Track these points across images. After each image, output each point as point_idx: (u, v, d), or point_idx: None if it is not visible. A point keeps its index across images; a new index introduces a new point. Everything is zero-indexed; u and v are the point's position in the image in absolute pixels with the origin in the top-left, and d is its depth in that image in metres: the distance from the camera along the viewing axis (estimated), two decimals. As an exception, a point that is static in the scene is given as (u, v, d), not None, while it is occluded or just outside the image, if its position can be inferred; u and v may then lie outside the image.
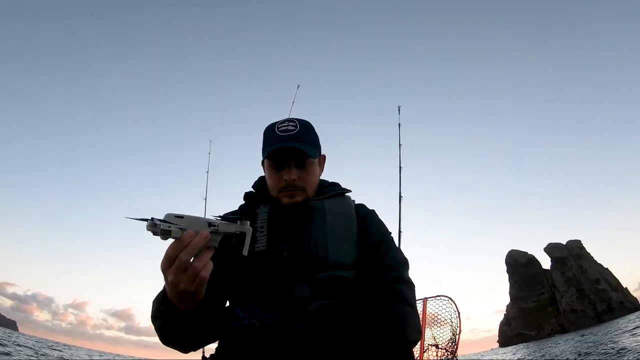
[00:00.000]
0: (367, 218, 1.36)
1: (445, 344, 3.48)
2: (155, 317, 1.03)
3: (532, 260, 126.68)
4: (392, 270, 1.22)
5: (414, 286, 1.22)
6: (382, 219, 1.42)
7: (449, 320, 3.56)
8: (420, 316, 3.64)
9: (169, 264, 0.84)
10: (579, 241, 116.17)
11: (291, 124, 1.34)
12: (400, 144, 3.96)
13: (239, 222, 0.88)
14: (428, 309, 3.62)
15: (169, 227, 0.82)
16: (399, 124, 4.12)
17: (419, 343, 3.51)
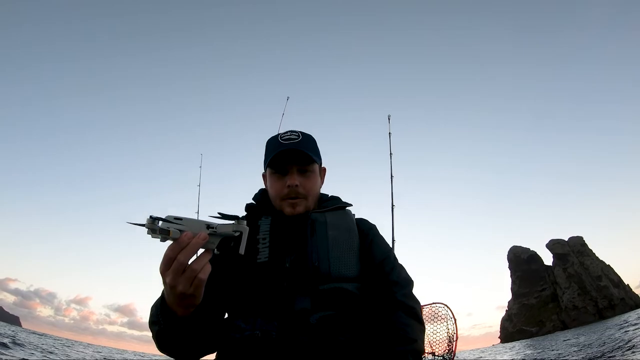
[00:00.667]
0: (369, 233, 1.38)
1: (442, 351, 3.44)
2: (153, 322, 1.02)
3: (534, 257, 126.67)
4: (401, 287, 1.24)
5: (420, 305, 1.25)
6: (382, 235, 1.45)
7: (445, 327, 3.51)
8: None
9: (167, 266, 0.84)
10: (581, 237, 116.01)
11: (294, 133, 1.38)
12: (391, 153, 3.91)
13: (236, 222, 0.89)
14: (424, 316, 3.57)
15: (168, 227, 0.82)
16: (390, 133, 4.07)
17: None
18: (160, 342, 1.04)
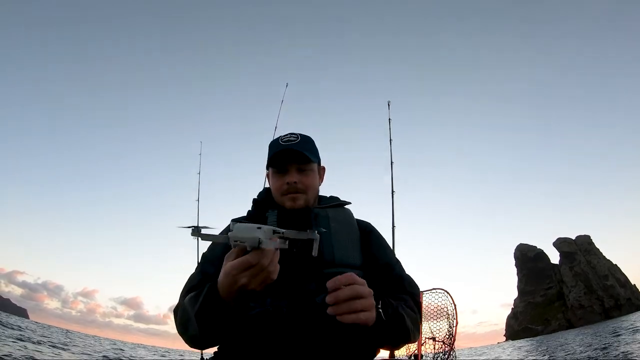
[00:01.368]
0: (371, 234, 1.48)
1: (443, 336, 3.46)
2: (201, 313, 1.07)
3: (540, 255, 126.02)
4: (409, 283, 1.35)
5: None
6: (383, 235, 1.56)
7: (445, 313, 3.53)
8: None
9: (244, 268, 0.91)
10: (588, 236, 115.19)
11: (293, 135, 1.49)
12: (391, 139, 3.89)
13: (309, 231, 0.96)
14: (424, 302, 3.58)
15: (242, 240, 0.88)
16: (389, 119, 4.04)
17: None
18: (200, 328, 1.09)
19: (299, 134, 1.50)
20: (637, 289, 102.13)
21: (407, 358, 3.30)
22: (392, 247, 3.87)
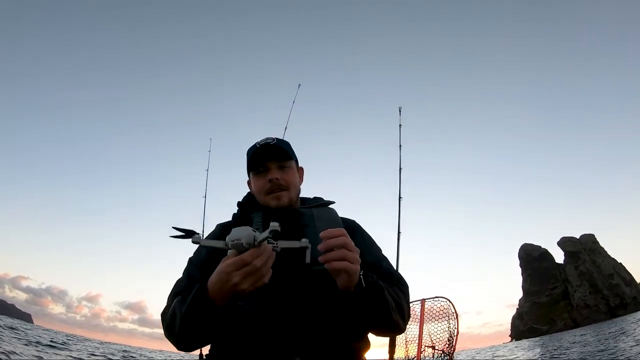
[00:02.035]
0: (351, 227, 1.50)
1: (443, 345, 3.48)
2: (189, 313, 1.10)
3: (545, 254, 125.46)
4: (396, 278, 1.38)
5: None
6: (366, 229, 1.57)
7: (446, 322, 3.55)
8: (418, 317, 3.64)
9: (237, 267, 0.95)
10: (593, 235, 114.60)
11: (269, 138, 1.51)
12: (400, 145, 3.92)
13: (303, 240, 1.03)
14: (426, 309, 3.61)
15: (239, 241, 0.94)
16: (400, 125, 4.08)
17: (416, 344, 3.52)
18: (187, 329, 1.13)
19: (276, 137, 1.53)
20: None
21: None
22: (396, 253, 3.92)
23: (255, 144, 1.51)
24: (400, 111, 4.23)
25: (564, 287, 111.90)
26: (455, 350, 3.43)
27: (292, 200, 1.47)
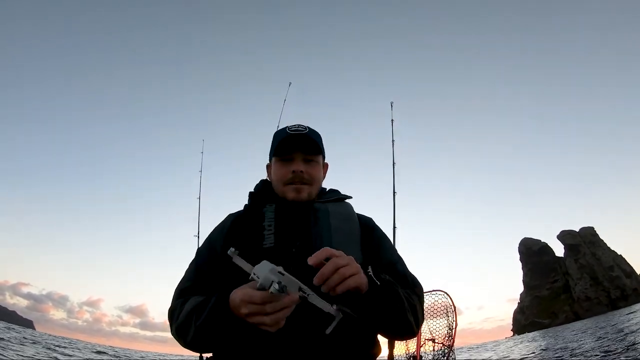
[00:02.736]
0: (374, 232, 1.45)
1: (442, 338, 3.50)
2: (207, 324, 1.06)
3: (545, 248, 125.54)
4: (410, 279, 1.32)
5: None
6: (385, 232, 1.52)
7: (445, 315, 3.57)
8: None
9: (245, 304, 0.92)
10: (592, 228, 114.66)
11: (302, 126, 1.43)
12: (393, 140, 3.91)
13: (334, 306, 0.94)
14: (425, 304, 3.63)
15: (282, 285, 0.85)
16: (392, 120, 4.06)
17: (415, 338, 3.54)
18: (202, 338, 1.10)
19: (307, 126, 1.44)
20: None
21: (406, 358, 3.35)
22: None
23: (286, 128, 1.42)
24: (392, 106, 4.21)
25: (564, 280, 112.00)
26: (456, 344, 3.45)
27: (312, 196, 1.40)
